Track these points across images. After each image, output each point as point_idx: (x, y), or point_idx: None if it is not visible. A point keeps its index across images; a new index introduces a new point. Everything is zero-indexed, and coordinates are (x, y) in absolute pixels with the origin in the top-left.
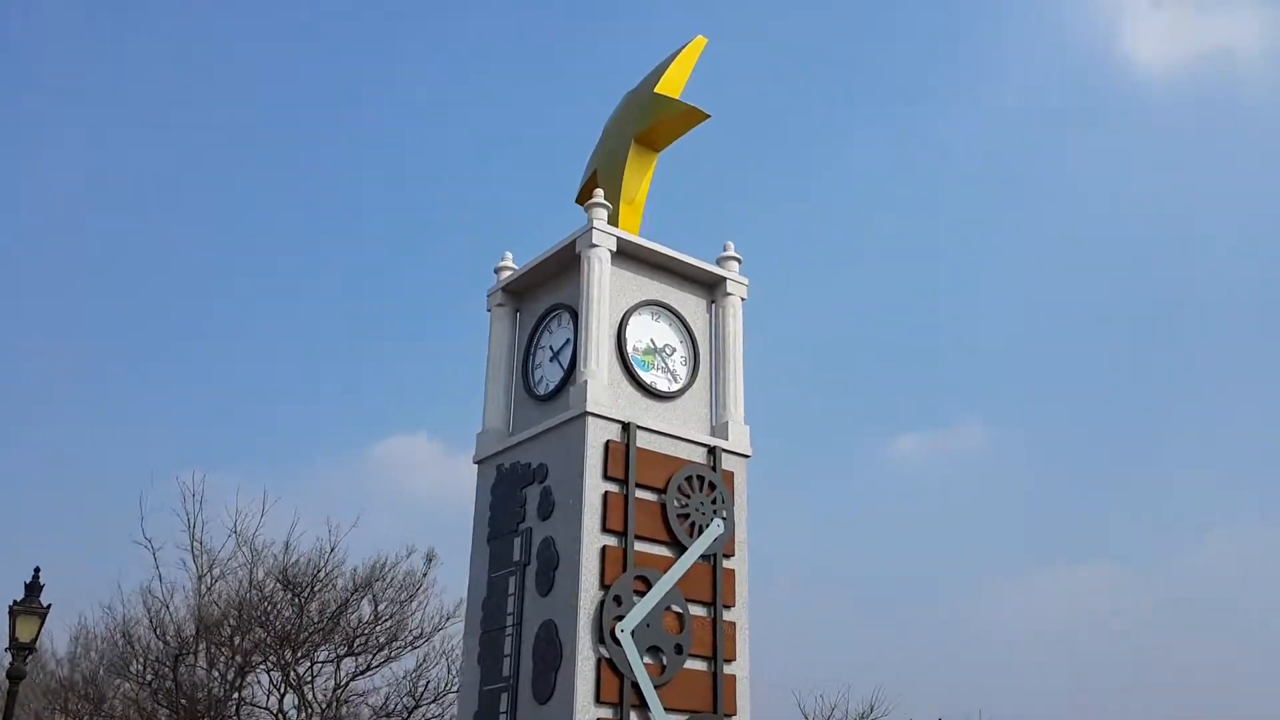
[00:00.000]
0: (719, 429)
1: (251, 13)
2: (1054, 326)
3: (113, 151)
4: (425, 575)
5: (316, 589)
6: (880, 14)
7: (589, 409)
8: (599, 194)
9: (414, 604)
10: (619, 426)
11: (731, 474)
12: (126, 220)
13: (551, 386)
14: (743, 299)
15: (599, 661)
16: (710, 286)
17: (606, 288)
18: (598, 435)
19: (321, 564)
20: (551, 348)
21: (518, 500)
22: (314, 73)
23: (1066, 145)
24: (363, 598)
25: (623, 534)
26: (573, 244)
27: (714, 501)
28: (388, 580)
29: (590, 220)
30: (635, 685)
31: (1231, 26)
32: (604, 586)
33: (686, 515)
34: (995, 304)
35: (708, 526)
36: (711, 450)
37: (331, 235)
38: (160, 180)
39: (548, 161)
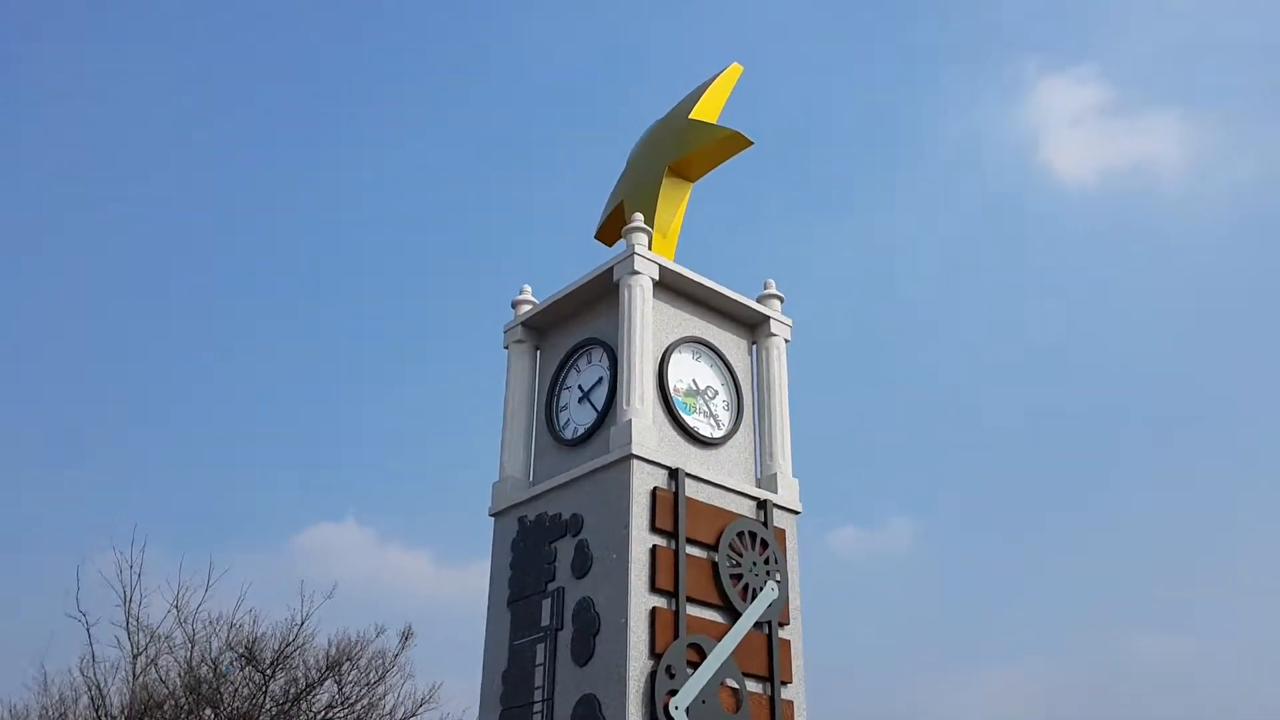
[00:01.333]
0: (765, 481)
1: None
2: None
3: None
4: (398, 655)
5: (282, 665)
6: (819, 121)
7: (635, 451)
8: (638, 218)
9: (383, 687)
10: (665, 473)
11: (783, 531)
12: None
13: (582, 429)
14: (787, 340)
15: None
16: (752, 326)
17: (650, 320)
18: (644, 482)
19: (290, 637)
20: (581, 387)
21: (546, 556)
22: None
23: (984, 258)
24: (327, 678)
25: (673, 594)
26: (609, 272)
27: (767, 561)
28: (355, 660)
29: (631, 246)
30: None
31: (1150, 141)
32: (654, 655)
33: (739, 576)
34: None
35: (761, 590)
36: (762, 504)
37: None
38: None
39: (477, 241)
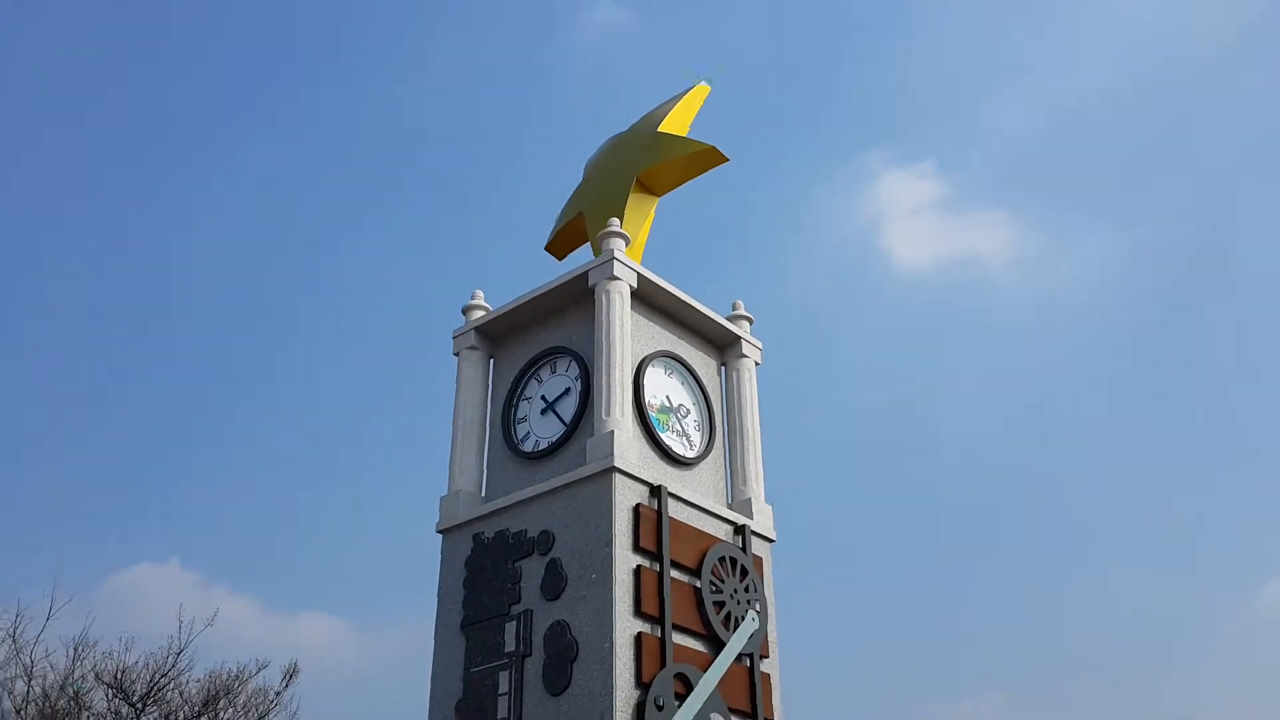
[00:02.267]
0: (738, 506)
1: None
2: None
3: None
4: (280, 694)
5: (154, 699)
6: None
7: (617, 464)
8: (615, 223)
9: None
10: (647, 490)
11: (760, 559)
12: None
13: (545, 442)
14: (757, 363)
15: None
16: (723, 347)
17: (628, 328)
18: (626, 497)
19: (166, 667)
20: (544, 398)
21: (509, 576)
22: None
23: (830, 343)
24: (202, 715)
25: (658, 620)
26: (582, 277)
27: (747, 589)
28: (233, 697)
29: (610, 250)
30: None
31: (980, 235)
32: (641, 685)
33: (722, 604)
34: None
35: (743, 619)
36: (739, 529)
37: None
38: None
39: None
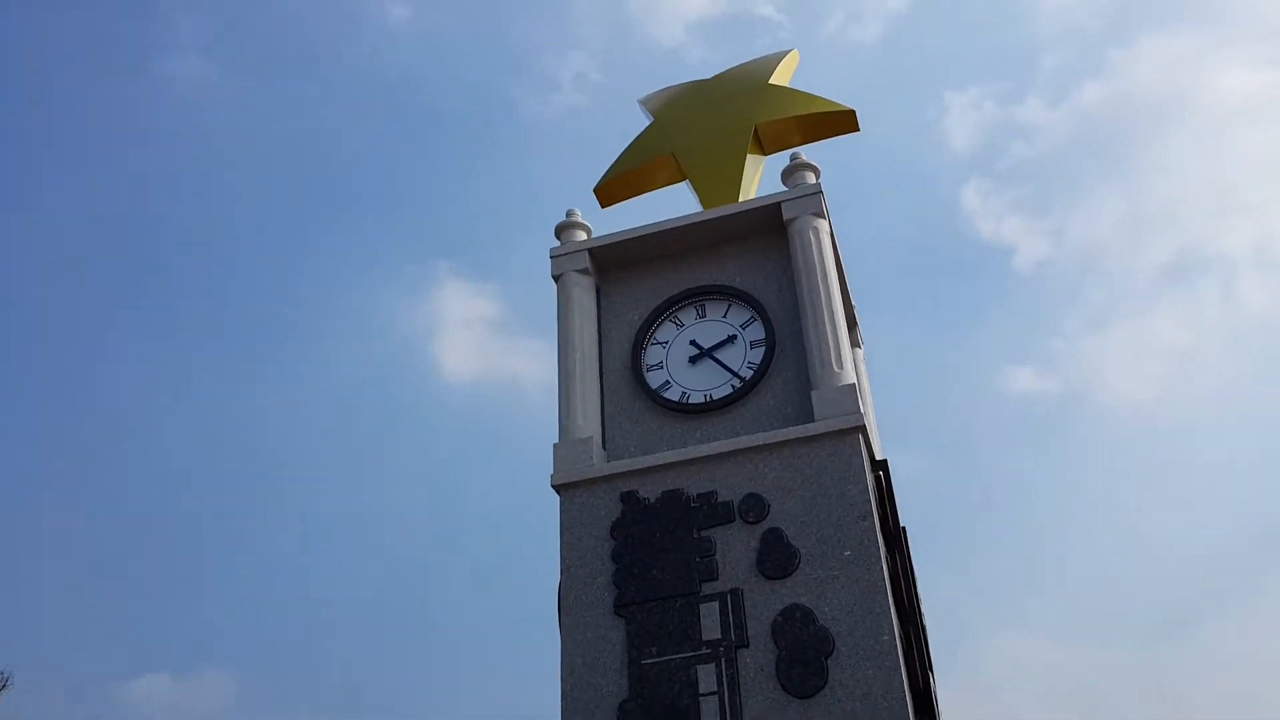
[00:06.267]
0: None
1: None
2: None
3: None
4: None
5: None
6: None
7: (862, 423)
8: (800, 153)
9: None
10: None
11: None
12: None
13: (706, 395)
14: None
15: None
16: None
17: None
18: (866, 465)
19: None
20: (696, 343)
21: (697, 547)
22: None
23: (383, 442)
24: None
25: (912, 611)
26: (771, 210)
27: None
28: None
29: (817, 184)
30: None
31: (519, 357)
32: (915, 688)
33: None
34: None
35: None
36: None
37: None
38: None
39: None
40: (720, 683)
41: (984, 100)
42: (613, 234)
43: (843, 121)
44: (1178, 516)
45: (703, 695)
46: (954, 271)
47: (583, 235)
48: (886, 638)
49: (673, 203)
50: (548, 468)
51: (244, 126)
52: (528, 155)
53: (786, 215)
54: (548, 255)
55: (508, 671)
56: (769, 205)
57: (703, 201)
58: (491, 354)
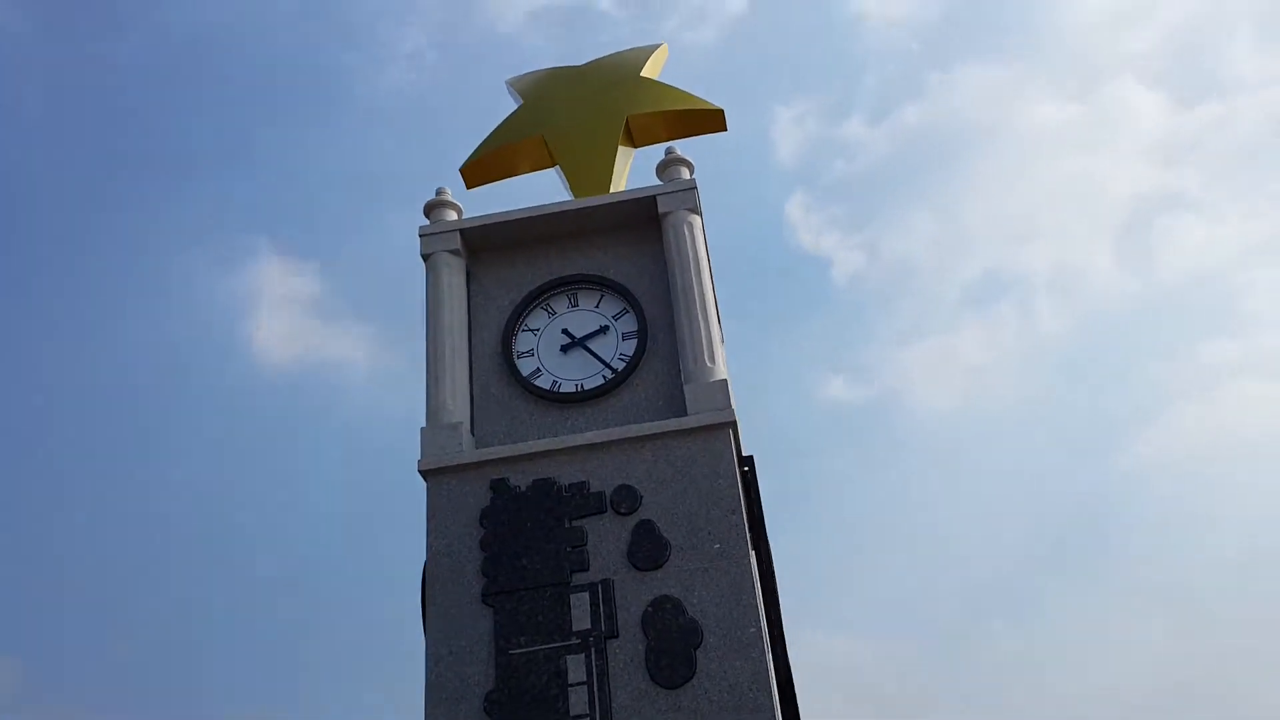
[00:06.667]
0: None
1: None
2: None
3: None
4: None
5: None
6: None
7: (734, 419)
8: (675, 148)
9: None
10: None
11: None
12: None
13: (578, 385)
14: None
15: None
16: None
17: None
18: (733, 461)
19: None
20: (568, 332)
21: (568, 537)
22: None
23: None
24: None
25: (775, 604)
26: (645, 202)
27: None
28: None
29: (692, 179)
30: None
31: (343, 344)
32: (779, 679)
33: None
34: None
35: None
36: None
37: None
38: None
39: None
40: (590, 673)
41: (808, 116)
42: (486, 215)
43: (711, 120)
44: (974, 520)
45: (571, 685)
46: (780, 277)
47: (453, 215)
48: (753, 630)
49: (537, 191)
50: (369, 455)
51: (44, 78)
52: (361, 131)
53: (662, 209)
54: (373, 235)
55: (361, 660)
56: (644, 198)
57: (574, 189)
58: (309, 336)
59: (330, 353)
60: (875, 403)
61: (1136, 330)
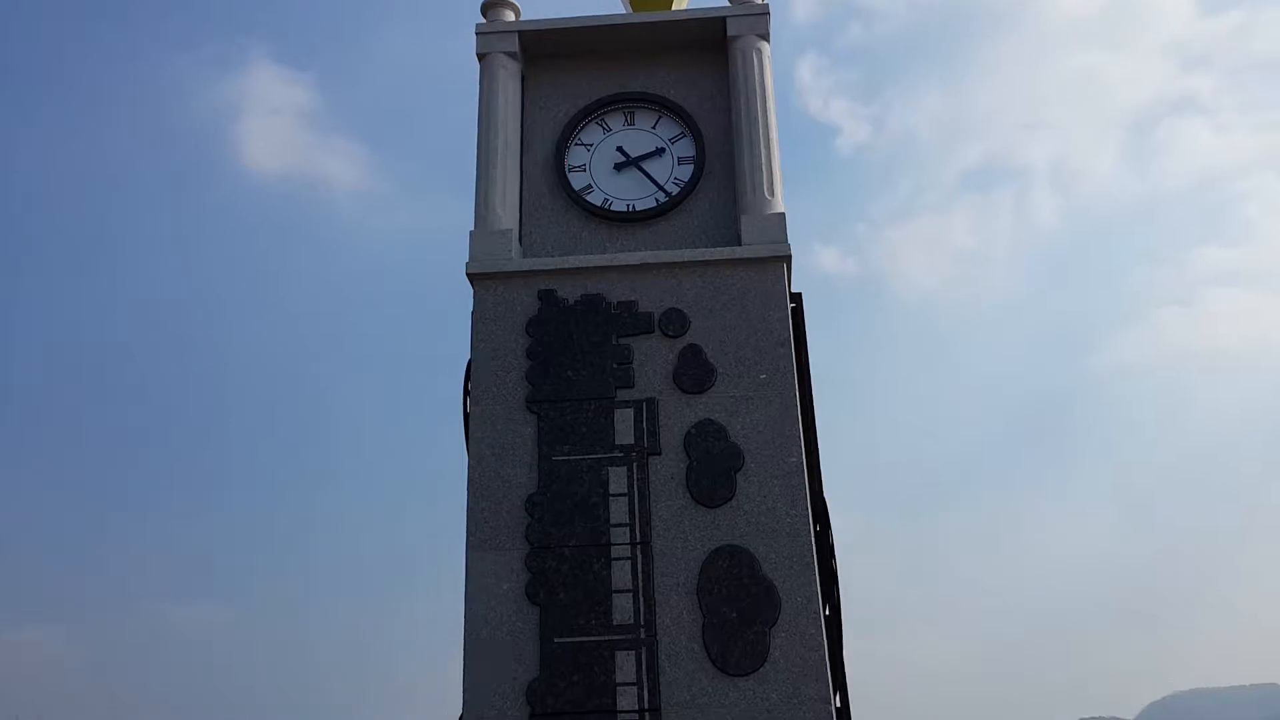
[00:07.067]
0: None
1: None
2: None
3: None
4: None
5: None
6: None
7: (789, 253)
8: None
9: None
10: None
11: None
12: None
13: (631, 205)
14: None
15: (821, 619)
16: None
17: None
18: (785, 295)
19: None
20: (623, 150)
21: (613, 354)
22: None
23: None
24: None
25: (814, 440)
26: (713, 23)
27: None
28: None
29: (765, 4)
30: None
31: (333, 159)
32: (816, 508)
33: None
34: None
35: None
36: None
37: None
38: None
39: None
40: (631, 485)
41: None
42: (545, 18)
43: None
44: (948, 402)
45: (613, 495)
46: (784, 141)
47: (511, 16)
48: (794, 459)
49: (593, 4)
50: (359, 266)
51: None
52: None
53: (731, 32)
54: (373, 50)
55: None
56: (713, 19)
57: (633, 4)
58: (299, 148)
59: (321, 165)
60: (864, 279)
61: (1130, 233)
